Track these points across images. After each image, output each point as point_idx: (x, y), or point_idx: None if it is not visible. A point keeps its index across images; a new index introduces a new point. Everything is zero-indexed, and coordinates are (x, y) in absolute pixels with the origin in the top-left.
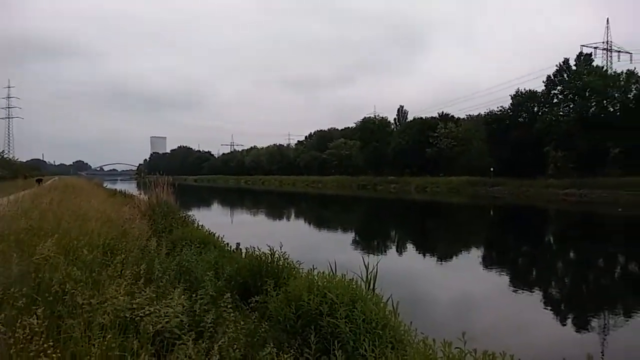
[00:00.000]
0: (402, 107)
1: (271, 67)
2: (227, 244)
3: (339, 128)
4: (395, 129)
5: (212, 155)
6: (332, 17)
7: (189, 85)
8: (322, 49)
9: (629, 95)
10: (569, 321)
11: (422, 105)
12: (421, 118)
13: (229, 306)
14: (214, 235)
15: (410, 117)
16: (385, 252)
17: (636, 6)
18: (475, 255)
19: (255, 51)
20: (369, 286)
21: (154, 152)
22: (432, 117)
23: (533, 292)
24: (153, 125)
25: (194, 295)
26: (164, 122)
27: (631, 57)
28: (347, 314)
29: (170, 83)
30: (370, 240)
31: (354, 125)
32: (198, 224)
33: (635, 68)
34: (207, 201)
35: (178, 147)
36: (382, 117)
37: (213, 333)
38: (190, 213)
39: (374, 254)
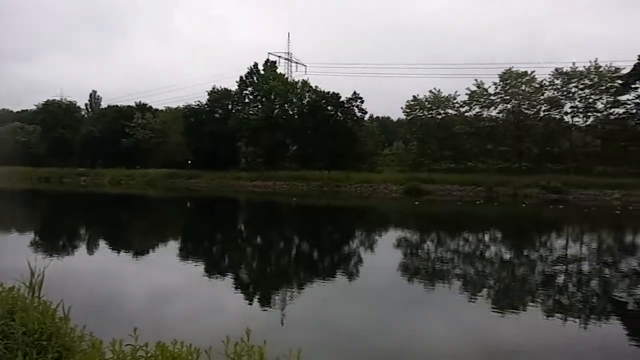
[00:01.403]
0: (94, 92)
1: None
2: None
3: (14, 110)
4: (86, 116)
5: None
6: None
7: None
8: None
9: (303, 102)
10: (256, 299)
11: (118, 93)
12: (117, 106)
13: None
14: None
15: (104, 105)
16: (66, 251)
17: (311, 27)
18: (169, 247)
19: None
20: (34, 293)
21: None
22: (128, 106)
23: (225, 277)
24: None
25: None
26: None
27: (306, 69)
28: (1, 329)
29: None
30: (46, 239)
31: (35, 108)
32: None
33: (309, 79)
34: None
35: None
36: (71, 102)
37: None
38: None
39: (47, 255)
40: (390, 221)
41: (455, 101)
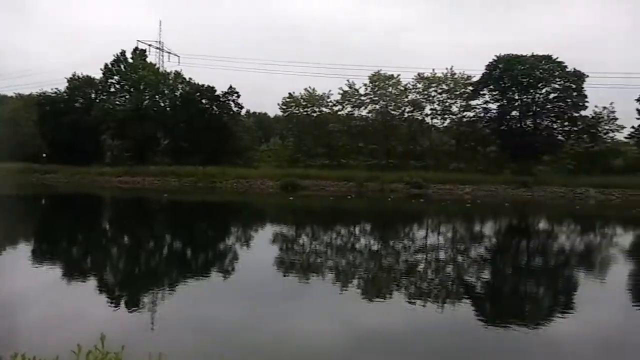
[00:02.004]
0: None
1: None
2: None
3: None
4: None
5: None
6: None
7: None
8: None
9: (176, 94)
10: (123, 303)
11: None
12: None
13: None
14: None
15: None
16: None
17: (185, 15)
18: (19, 250)
19: None
20: None
21: None
22: None
23: (87, 281)
24: None
25: None
26: None
27: (179, 59)
28: None
29: None
30: None
31: None
32: None
33: (182, 70)
34: None
35: None
36: None
37: None
38: None
39: None
40: (265, 216)
41: (329, 100)
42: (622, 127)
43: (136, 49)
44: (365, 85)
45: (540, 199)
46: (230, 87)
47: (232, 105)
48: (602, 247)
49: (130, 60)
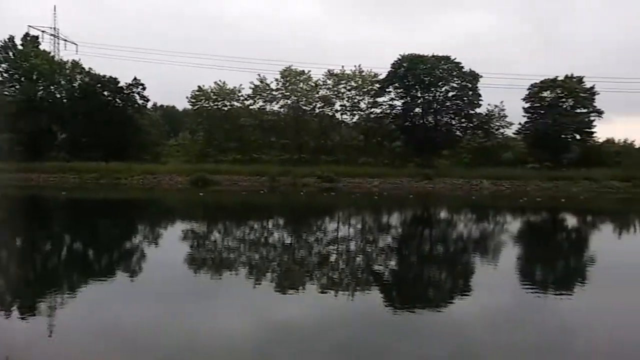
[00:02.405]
0: None
1: None
2: None
3: None
4: None
5: None
6: None
7: None
8: None
9: (74, 84)
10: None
11: None
12: None
13: None
14: None
15: None
16: None
17: (83, 0)
18: None
19: None
20: None
21: None
22: None
23: None
24: None
25: None
26: None
27: (77, 48)
28: None
29: None
30: None
31: None
32: None
33: (80, 59)
34: None
35: None
36: None
37: None
38: None
39: None
40: (175, 213)
41: (240, 94)
42: (511, 124)
43: (27, 35)
44: (276, 80)
45: (441, 190)
46: (135, 78)
47: (137, 97)
48: (495, 234)
49: (21, 48)
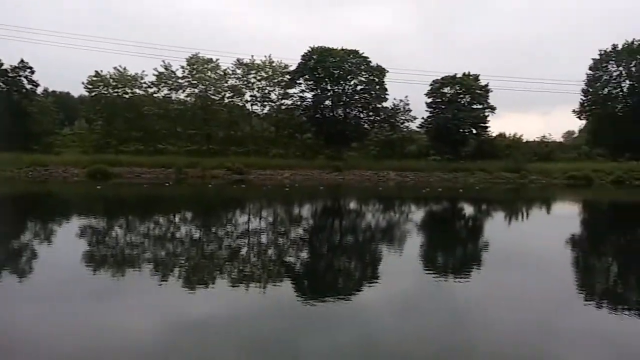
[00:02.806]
0: None
1: None
2: None
3: None
4: None
5: None
6: None
7: None
8: None
9: None
10: None
11: None
12: None
13: None
14: None
15: None
16: None
17: None
18: None
19: None
20: None
21: None
22: None
23: None
24: None
25: None
26: None
27: None
28: None
29: None
30: None
31: None
32: None
33: None
34: None
35: None
36: None
37: None
38: None
39: None
40: (69, 208)
41: (143, 81)
42: (415, 118)
43: None
44: (182, 67)
45: (351, 181)
46: (22, 60)
47: (25, 82)
48: (401, 223)
49: None
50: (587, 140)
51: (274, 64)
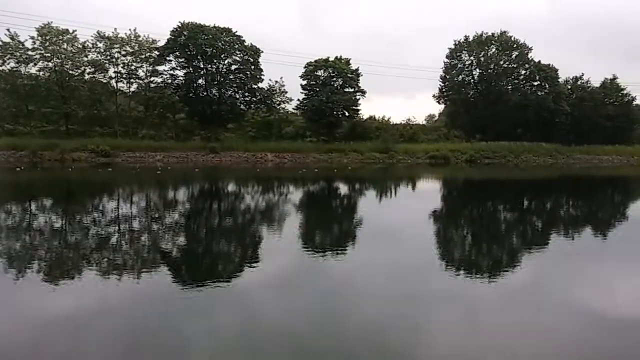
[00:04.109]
0: None
1: None
2: None
3: None
4: None
5: None
6: None
7: None
8: None
9: None
10: None
11: None
12: None
13: None
14: None
15: None
16: None
17: None
18: None
19: None
20: None
21: None
22: None
23: None
24: None
25: None
26: None
27: None
28: None
29: None
30: None
31: None
32: None
33: None
34: None
35: None
36: None
37: None
38: None
39: None
40: None
41: None
42: (291, 100)
43: None
44: (32, 38)
45: (227, 163)
46: None
47: None
48: (279, 203)
49: None
50: (445, 123)
51: (140, 39)
